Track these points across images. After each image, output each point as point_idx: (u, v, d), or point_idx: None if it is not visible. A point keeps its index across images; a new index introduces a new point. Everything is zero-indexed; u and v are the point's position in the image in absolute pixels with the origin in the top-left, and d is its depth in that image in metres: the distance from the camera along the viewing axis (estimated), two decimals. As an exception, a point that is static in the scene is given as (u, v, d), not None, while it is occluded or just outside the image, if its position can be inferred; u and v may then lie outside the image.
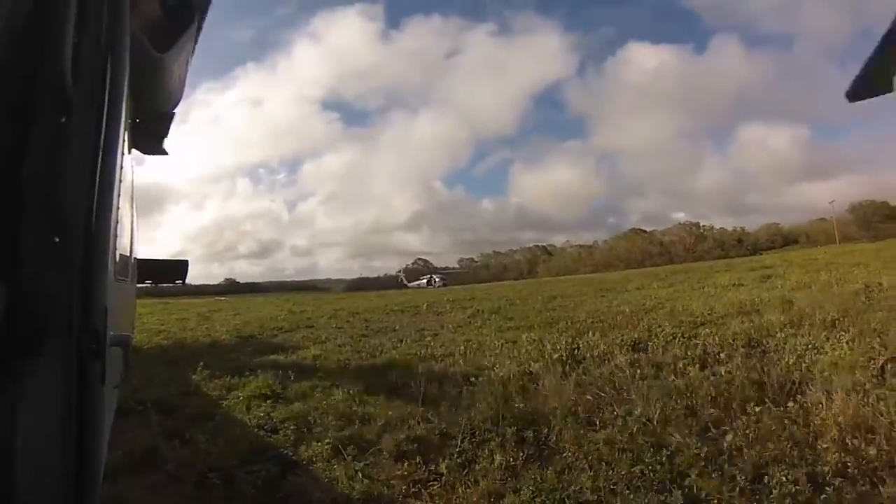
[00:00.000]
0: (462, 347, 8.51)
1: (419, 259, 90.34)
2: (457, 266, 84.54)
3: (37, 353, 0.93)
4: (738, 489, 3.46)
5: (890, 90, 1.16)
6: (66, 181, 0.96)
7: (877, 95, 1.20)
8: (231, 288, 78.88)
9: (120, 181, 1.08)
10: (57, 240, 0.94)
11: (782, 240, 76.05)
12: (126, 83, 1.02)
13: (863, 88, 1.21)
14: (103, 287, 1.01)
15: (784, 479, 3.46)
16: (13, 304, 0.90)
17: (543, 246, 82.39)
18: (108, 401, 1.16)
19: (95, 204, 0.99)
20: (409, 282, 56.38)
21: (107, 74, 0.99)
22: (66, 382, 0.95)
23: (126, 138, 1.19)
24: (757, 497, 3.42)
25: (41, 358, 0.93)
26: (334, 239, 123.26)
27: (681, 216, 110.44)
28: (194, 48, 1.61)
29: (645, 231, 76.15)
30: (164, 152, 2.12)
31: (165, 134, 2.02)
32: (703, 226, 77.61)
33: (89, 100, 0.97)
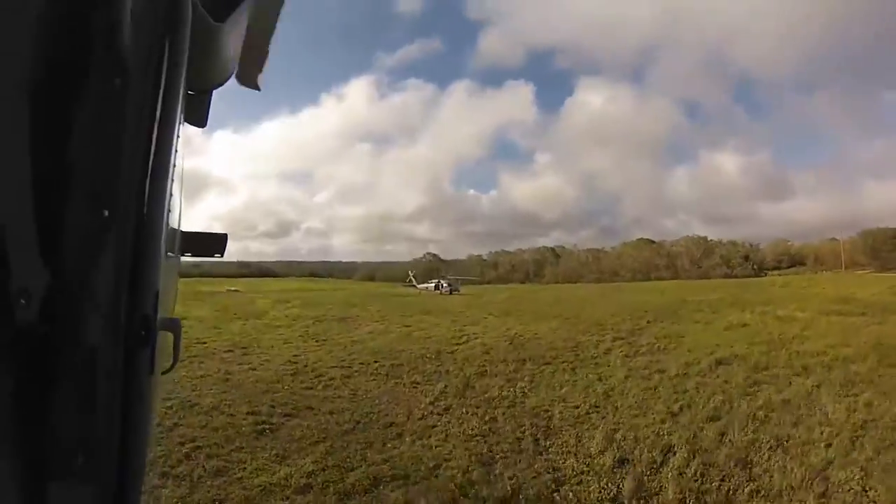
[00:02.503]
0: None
1: (428, 254, 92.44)
2: (464, 258, 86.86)
3: (80, 338, 0.88)
4: None
5: None
6: (118, 149, 0.89)
7: None
8: (243, 270, 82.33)
9: (176, 151, 1.02)
10: (106, 213, 0.88)
11: (789, 259, 76.45)
12: (186, 49, 0.97)
13: None
14: (155, 268, 0.94)
15: None
16: (55, 286, 0.86)
17: (552, 248, 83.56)
18: (155, 389, 1.09)
19: (150, 175, 0.91)
20: (418, 283, 58.29)
21: (165, 38, 0.92)
22: (113, 371, 0.89)
23: (182, 109, 1.14)
24: None
25: (85, 345, 0.88)
26: (348, 224, 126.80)
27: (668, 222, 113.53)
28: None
29: (653, 242, 76.89)
30: (204, 125, 2.02)
31: (209, 106, 1.92)
32: (711, 240, 78.19)
33: (146, 63, 0.90)
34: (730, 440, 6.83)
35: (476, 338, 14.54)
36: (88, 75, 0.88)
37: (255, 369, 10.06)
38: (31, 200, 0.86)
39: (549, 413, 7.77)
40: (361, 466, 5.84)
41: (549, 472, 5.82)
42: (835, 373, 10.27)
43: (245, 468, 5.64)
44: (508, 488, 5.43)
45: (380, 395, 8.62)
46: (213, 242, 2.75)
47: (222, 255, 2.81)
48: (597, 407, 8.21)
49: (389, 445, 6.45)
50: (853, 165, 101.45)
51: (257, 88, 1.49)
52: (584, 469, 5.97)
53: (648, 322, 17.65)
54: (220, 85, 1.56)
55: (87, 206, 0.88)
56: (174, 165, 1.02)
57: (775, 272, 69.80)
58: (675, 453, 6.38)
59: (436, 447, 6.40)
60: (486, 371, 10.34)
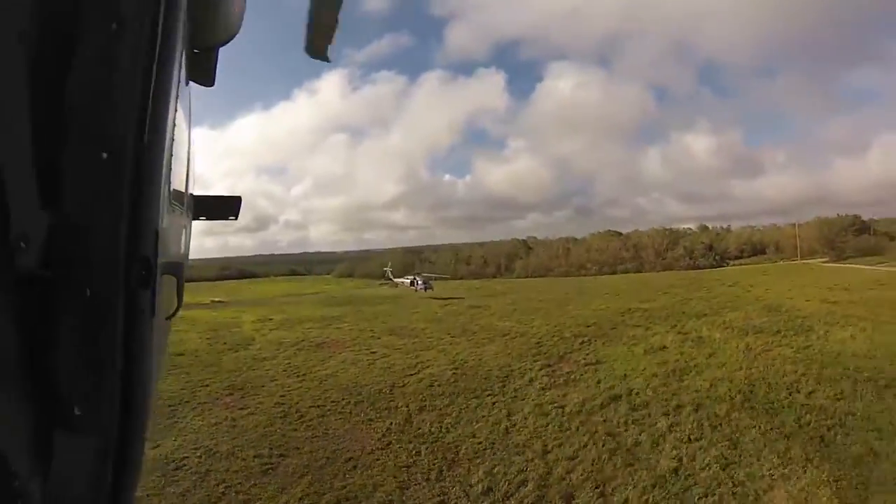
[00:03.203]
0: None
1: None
2: (440, 246, 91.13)
3: (81, 282, 0.90)
4: None
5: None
6: (115, 92, 0.91)
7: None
8: (225, 272, 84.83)
9: (177, 96, 1.04)
10: (105, 156, 0.90)
11: (751, 248, 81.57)
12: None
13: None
14: (155, 209, 0.96)
15: None
16: (55, 227, 0.88)
17: (524, 240, 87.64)
18: (158, 333, 1.11)
19: (149, 119, 0.93)
20: (395, 278, 62.17)
21: None
22: (113, 313, 0.91)
23: (184, 65, 1.14)
24: None
25: (85, 286, 0.90)
26: (326, 215, 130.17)
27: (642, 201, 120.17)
28: None
29: (620, 233, 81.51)
30: (212, 83, 1.98)
31: (215, 64, 1.90)
32: (679, 229, 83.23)
33: (142, 8, 0.91)
34: (570, 480, 9.84)
35: (427, 367, 18.19)
36: (85, 20, 0.90)
37: (253, 413, 13.63)
38: (29, 144, 0.87)
39: (458, 448, 11.27)
40: (330, 492, 9.54)
41: (439, 497, 9.38)
42: (695, 415, 12.51)
43: (261, 497, 9.31)
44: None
45: (343, 434, 12.26)
46: (226, 205, 2.85)
47: (236, 218, 2.89)
48: (493, 443, 11.42)
49: (348, 476, 10.13)
50: (819, 143, 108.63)
51: (327, 60, 1.46)
52: (461, 495, 9.46)
53: (582, 343, 21.25)
54: (226, 42, 1.61)
55: (85, 149, 0.90)
56: (175, 109, 1.03)
57: (737, 262, 75.24)
58: (526, 485, 9.67)
59: (376, 476, 10.10)
60: (425, 406, 13.93)
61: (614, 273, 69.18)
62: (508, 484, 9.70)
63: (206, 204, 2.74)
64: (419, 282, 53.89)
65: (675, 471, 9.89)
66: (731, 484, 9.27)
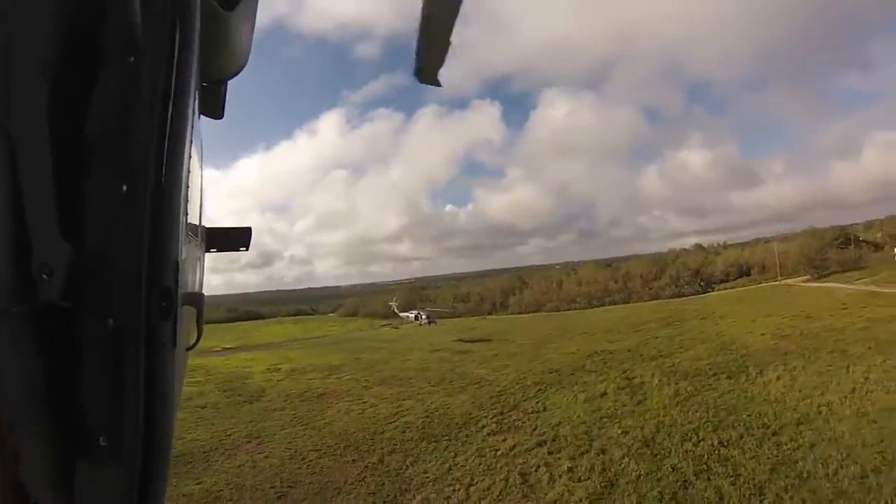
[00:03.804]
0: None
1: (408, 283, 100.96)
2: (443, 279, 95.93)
3: (103, 312, 0.92)
4: None
5: None
6: (134, 125, 0.94)
7: None
8: (233, 314, 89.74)
9: (192, 127, 1.07)
10: (125, 188, 0.92)
11: (737, 270, 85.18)
12: (197, 30, 1.02)
13: None
14: (175, 240, 0.99)
15: None
16: (76, 258, 0.91)
17: (519, 276, 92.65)
18: (179, 364, 1.13)
19: (167, 150, 0.96)
20: (400, 312, 68.20)
21: (175, 19, 0.98)
22: (135, 344, 0.92)
23: (197, 97, 1.17)
24: None
25: (107, 317, 0.92)
26: (330, 249, 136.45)
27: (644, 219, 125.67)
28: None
29: (609, 265, 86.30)
30: (220, 116, 2.06)
31: (224, 97, 1.99)
32: (668, 255, 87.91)
33: (159, 43, 0.96)
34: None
35: (405, 415, 22.97)
36: (103, 54, 0.94)
37: (267, 457, 18.47)
38: (50, 176, 0.90)
39: (412, 480, 15.92)
40: (323, 512, 14.36)
41: None
42: (595, 459, 15.72)
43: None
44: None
45: (333, 470, 17.00)
46: (237, 237, 3.00)
47: (247, 249, 3.01)
48: (436, 478, 15.80)
49: (333, 500, 14.90)
50: (814, 148, 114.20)
51: (438, 84, 1.45)
52: None
53: (538, 391, 25.23)
54: (234, 75, 1.64)
55: (105, 181, 0.93)
56: (191, 141, 1.06)
57: (722, 285, 78.93)
58: None
59: (352, 500, 14.83)
60: (395, 449, 18.67)
61: (603, 305, 73.42)
62: (438, 505, 14.62)
63: (217, 235, 2.83)
64: (423, 316, 60.12)
65: (555, 502, 13.80)
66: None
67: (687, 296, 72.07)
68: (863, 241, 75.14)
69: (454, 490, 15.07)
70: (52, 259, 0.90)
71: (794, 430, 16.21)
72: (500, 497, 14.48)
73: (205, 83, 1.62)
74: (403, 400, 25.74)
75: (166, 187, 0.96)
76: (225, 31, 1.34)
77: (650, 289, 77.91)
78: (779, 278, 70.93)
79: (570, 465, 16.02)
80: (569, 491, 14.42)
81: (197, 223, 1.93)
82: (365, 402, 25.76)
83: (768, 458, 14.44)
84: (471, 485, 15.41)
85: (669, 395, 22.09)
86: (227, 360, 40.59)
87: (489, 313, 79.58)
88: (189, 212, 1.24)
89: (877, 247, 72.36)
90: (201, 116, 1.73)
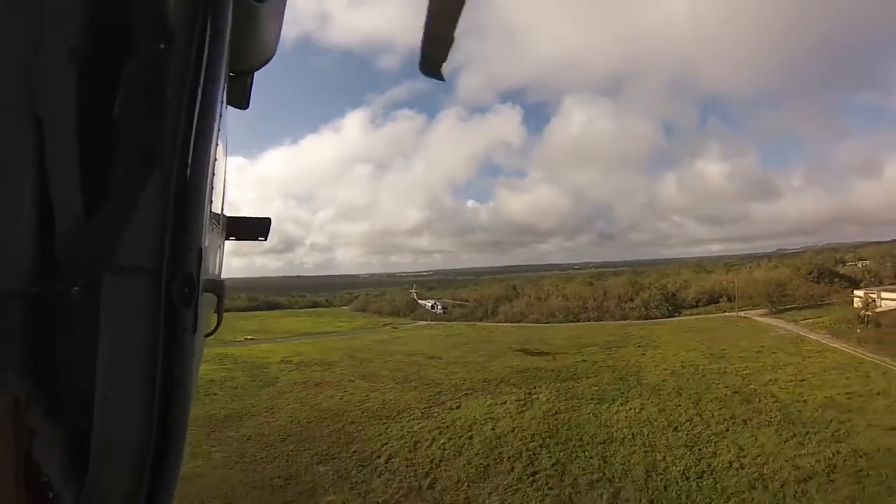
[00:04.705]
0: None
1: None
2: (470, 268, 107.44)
3: (124, 295, 0.93)
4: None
5: None
6: (163, 111, 0.95)
7: None
8: (253, 303, 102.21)
9: (220, 116, 1.08)
10: (149, 172, 0.94)
11: (707, 298, 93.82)
12: (228, 20, 1.03)
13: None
14: (199, 226, 0.99)
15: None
16: (99, 240, 0.92)
17: (513, 285, 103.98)
18: (198, 351, 1.14)
19: (194, 137, 0.97)
20: (419, 300, 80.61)
21: (208, 11, 0.99)
22: (154, 328, 0.94)
23: (225, 87, 1.19)
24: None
25: (129, 303, 0.94)
26: (352, 239, 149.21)
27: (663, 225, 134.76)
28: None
29: (592, 283, 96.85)
30: (246, 107, 2.08)
31: (250, 88, 2.01)
32: (644, 282, 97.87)
33: (190, 31, 0.97)
34: (382, 453, 27.17)
35: (368, 402, 35.20)
36: (135, 40, 0.94)
37: (277, 421, 31.06)
38: (76, 158, 0.90)
39: (362, 440, 28.36)
40: (307, 451, 26.62)
41: (352, 456, 26.53)
42: (428, 449, 30.74)
43: (281, 450, 26.57)
44: None
45: (317, 432, 29.42)
46: (257, 226, 3.03)
47: (266, 239, 3.05)
48: (372, 440, 28.62)
49: (315, 447, 27.25)
50: (834, 165, 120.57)
51: (441, 79, 1.44)
52: (354, 457, 26.64)
53: (465, 395, 37.21)
54: (261, 67, 1.65)
55: (131, 167, 0.93)
56: (218, 130, 1.06)
57: (691, 310, 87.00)
58: (379, 457, 26.81)
59: (324, 449, 27.16)
60: (356, 422, 31.03)
61: (578, 321, 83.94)
62: (370, 454, 26.77)
63: (237, 224, 2.91)
64: (439, 306, 73.38)
65: (432, 459, 26.38)
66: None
67: (654, 318, 79.55)
68: (841, 273, 76.92)
69: (380, 445, 27.49)
70: (76, 240, 0.92)
71: (608, 447, 27.27)
72: (397, 452, 26.69)
73: (232, 73, 1.66)
74: (372, 392, 38.08)
75: (192, 174, 0.98)
76: (254, 23, 1.37)
77: (622, 309, 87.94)
78: (736, 310, 73.03)
79: (451, 442, 28.55)
80: (441, 455, 26.70)
81: (219, 212, 1.97)
82: (345, 391, 38.25)
83: (581, 466, 25.72)
84: (386, 443, 27.79)
85: (544, 411, 33.06)
86: (250, 350, 53.63)
87: (481, 319, 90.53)
88: (212, 199, 1.26)
89: (852, 282, 72.13)
90: (228, 106, 1.75)
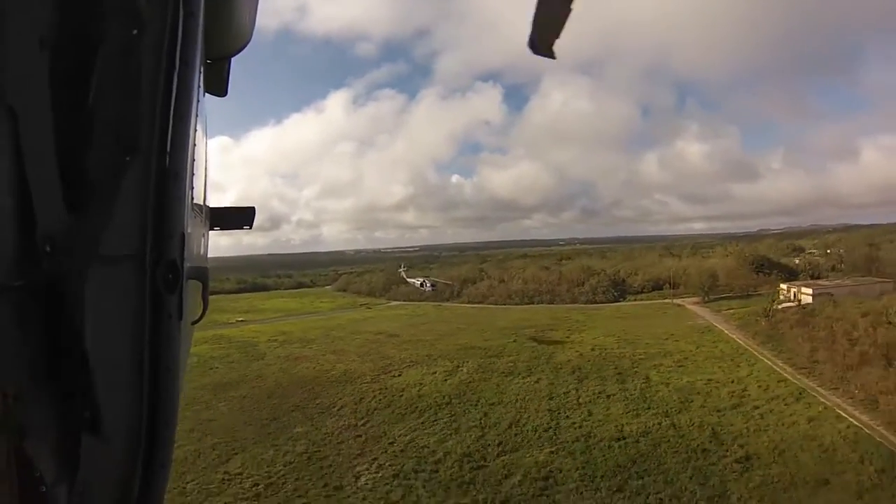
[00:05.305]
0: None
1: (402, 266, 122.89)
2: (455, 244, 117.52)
3: (108, 286, 0.93)
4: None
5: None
6: (138, 96, 0.95)
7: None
8: (242, 286, 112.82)
9: (197, 101, 1.07)
10: (128, 159, 0.93)
11: (652, 284, 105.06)
12: (202, 4, 1.01)
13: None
14: (180, 212, 0.99)
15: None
16: (80, 230, 0.91)
17: (481, 268, 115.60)
18: (184, 338, 1.15)
19: (172, 122, 0.97)
20: (408, 278, 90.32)
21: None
22: (140, 316, 0.94)
23: (201, 72, 1.19)
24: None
25: (114, 292, 0.93)
26: (337, 215, 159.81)
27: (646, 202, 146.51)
28: None
29: (548, 268, 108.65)
30: (224, 94, 2.09)
31: (228, 74, 2.02)
32: (597, 268, 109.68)
33: (162, 15, 0.95)
34: (336, 404, 39.29)
35: (331, 372, 47.22)
36: (105, 26, 0.92)
37: (264, 387, 43.09)
38: (53, 148, 0.89)
39: (325, 397, 40.44)
40: (287, 405, 38.69)
41: (315, 406, 38.76)
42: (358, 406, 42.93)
43: (267, 404, 38.76)
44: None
45: (291, 393, 41.52)
46: (241, 216, 3.04)
47: (251, 228, 3.05)
48: (335, 399, 40.68)
49: (291, 401, 39.39)
50: (811, 149, 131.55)
51: (552, 56, 1.34)
52: (317, 406, 38.75)
53: (407, 366, 49.53)
54: (237, 52, 1.65)
55: (109, 154, 0.92)
56: (196, 115, 1.05)
57: (636, 296, 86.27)
58: (337, 407, 38.91)
59: (296, 402, 39.29)
60: (321, 386, 43.14)
61: (532, 303, 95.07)
62: (328, 405, 39.03)
63: (221, 214, 2.92)
64: (428, 284, 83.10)
65: (368, 410, 38.68)
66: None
67: (599, 303, 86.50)
68: (782, 264, 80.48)
69: (336, 399, 39.70)
70: (56, 231, 0.90)
71: (494, 407, 39.59)
72: (347, 404, 38.83)
73: (209, 60, 1.65)
74: (337, 364, 50.06)
75: (171, 160, 0.98)
76: (228, 8, 1.36)
77: (572, 294, 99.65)
78: (671, 298, 78.12)
79: (385, 399, 40.58)
80: (376, 406, 38.87)
81: (201, 203, 1.96)
82: (318, 364, 50.26)
83: (468, 419, 38.76)
84: (340, 398, 39.98)
85: (461, 380, 44.57)
86: (241, 330, 65.45)
87: (447, 300, 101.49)
88: (194, 186, 1.25)
89: (792, 273, 74.78)
90: (206, 94, 1.72)
